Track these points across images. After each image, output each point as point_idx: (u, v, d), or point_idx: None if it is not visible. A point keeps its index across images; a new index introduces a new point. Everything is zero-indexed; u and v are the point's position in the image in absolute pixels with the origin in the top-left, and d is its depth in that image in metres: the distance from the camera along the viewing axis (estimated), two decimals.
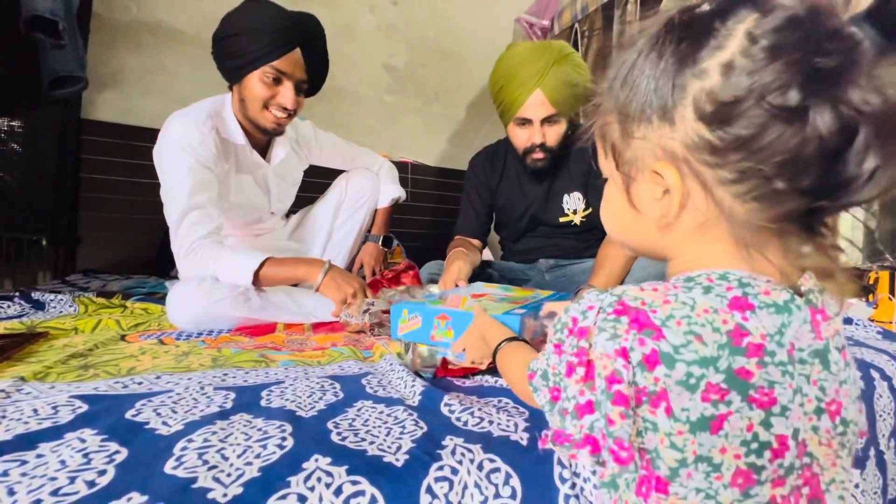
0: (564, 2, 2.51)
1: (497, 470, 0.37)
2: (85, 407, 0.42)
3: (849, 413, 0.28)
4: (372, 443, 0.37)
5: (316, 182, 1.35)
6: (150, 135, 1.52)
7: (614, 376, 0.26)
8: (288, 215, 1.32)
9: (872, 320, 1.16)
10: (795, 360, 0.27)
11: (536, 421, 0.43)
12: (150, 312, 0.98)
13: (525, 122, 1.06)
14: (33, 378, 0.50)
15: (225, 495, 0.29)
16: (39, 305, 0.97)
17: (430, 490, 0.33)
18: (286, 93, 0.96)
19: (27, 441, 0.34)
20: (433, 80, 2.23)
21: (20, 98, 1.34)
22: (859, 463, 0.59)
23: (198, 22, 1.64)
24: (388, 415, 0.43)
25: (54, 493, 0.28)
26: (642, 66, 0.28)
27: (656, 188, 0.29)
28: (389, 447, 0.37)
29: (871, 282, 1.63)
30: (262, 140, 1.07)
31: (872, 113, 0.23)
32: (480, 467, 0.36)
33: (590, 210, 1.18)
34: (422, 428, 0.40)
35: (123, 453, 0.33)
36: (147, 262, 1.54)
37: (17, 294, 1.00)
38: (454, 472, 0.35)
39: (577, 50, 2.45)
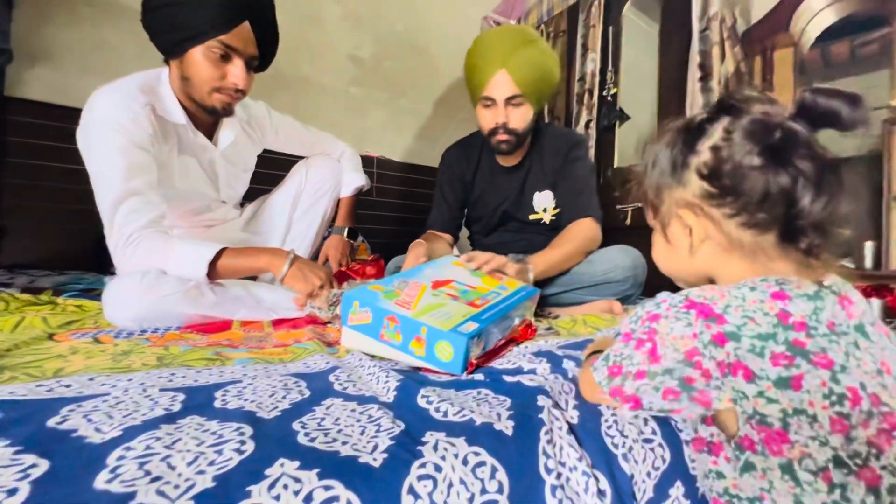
0: (531, 3, 2.54)
1: (483, 464, 0.34)
2: None
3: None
4: (345, 443, 0.33)
5: (270, 174, 1.27)
6: None
7: (694, 351, 0.36)
8: (242, 205, 1.23)
9: None
10: (838, 332, 0.35)
11: (519, 409, 0.41)
12: (84, 310, 0.88)
13: (490, 102, 1.07)
14: None
15: (176, 499, 0.25)
16: None
17: (412, 490, 0.30)
18: (237, 71, 0.87)
19: None
20: (400, 74, 2.18)
21: None
22: None
23: None
24: (362, 412, 0.40)
25: None
26: (665, 154, 0.44)
27: (683, 228, 0.44)
28: (365, 447, 0.33)
29: None
30: (206, 120, 0.97)
31: (805, 168, 0.37)
32: (465, 462, 0.34)
33: (558, 210, 1.19)
34: (399, 425, 0.37)
35: (42, 466, 0.28)
36: (82, 256, 1.40)
37: None
38: (438, 469, 0.32)
39: None
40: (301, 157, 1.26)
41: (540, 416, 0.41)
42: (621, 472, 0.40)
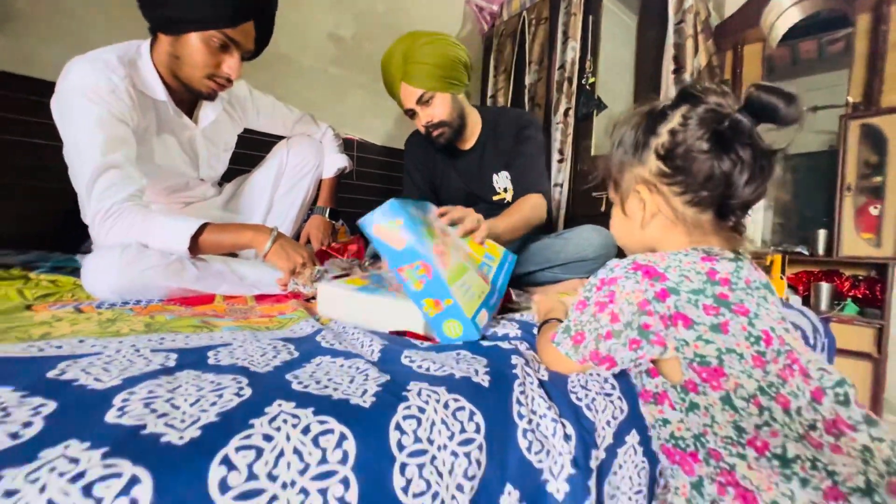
0: None
1: (462, 409, 0.38)
2: None
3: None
4: (336, 389, 0.36)
5: (249, 154, 1.25)
6: (50, 89, 1.33)
7: (645, 301, 0.43)
8: (220, 184, 1.22)
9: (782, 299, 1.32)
10: (752, 287, 0.44)
11: (495, 366, 0.45)
12: (59, 285, 0.87)
13: (410, 111, 1.15)
14: None
15: (181, 438, 0.27)
16: None
17: (398, 427, 0.34)
18: (233, 63, 0.88)
19: None
20: (381, 55, 2.15)
21: None
22: None
23: None
24: (350, 366, 0.43)
25: None
26: (629, 135, 0.50)
27: (638, 202, 0.50)
28: (354, 392, 0.36)
29: (767, 264, 1.88)
30: (187, 98, 0.96)
31: (744, 156, 0.43)
32: (446, 406, 0.37)
33: (513, 188, 1.23)
34: (385, 376, 0.40)
35: (51, 406, 0.29)
36: (46, 235, 1.35)
37: None
38: (421, 410, 0.36)
39: (525, 36, 2.51)
40: (282, 138, 1.25)
41: (514, 371, 0.45)
42: (586, 420, 0.45)
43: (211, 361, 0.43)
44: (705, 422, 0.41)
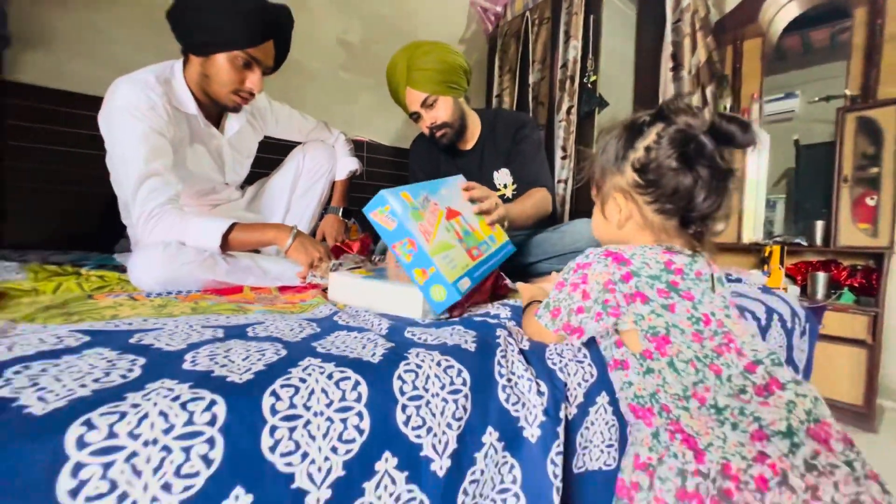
0: None
1: (451, 367, 0.47)
2: (87, 338, 0.46)
3: (734, 310, 0.55)
4: (352, 352, 0.46)
5: (268, 158, 1.36)
6: (83, 101, 1.45)
7: (609, 281, 0.52)
8: (242, 187, 1.33)
9: (767, 286, 1.39)
10: (701, 279, 0.53)
11: (482, 337, 0.54)
12: (106, 280, 0.99)
13: (415, 115, 1.24)
14: (23, 321, 0.54)
15: (241, 378, 0.37)
16: None
17: (400, 377, 0.43)
18: (255, 79, 0.99)
19: (49, 354, 0.40)
20: (388, 58, 2.24)
21: None
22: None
23: None
24: (362, 338, 0.52)
25: (96, 381, 0.35)
26: (612, 145, 0.57)
27: (616, 207, 0.57)
28: (366, 353, 0.46)
29: (767, 254, 1.93)
30: (214, 111, 1.08)
31: (703, 174, 0.51)
32: (439, 364, 0.47)
33: (516, 185, 1.32)
34: (391, 345, 0.50)
35: (141, 360, 0.40)
36: (81, 236, 1.47)
37: None
38: (418, 367, 0.45)
39: (528, 36, 2.58)
40: (298, 143, 1.36)
41: (497, 341, 0.54)
42: (558, 381, 0.54)
43: (251, 334, 0.53)
44: (658, 382, 0.50)
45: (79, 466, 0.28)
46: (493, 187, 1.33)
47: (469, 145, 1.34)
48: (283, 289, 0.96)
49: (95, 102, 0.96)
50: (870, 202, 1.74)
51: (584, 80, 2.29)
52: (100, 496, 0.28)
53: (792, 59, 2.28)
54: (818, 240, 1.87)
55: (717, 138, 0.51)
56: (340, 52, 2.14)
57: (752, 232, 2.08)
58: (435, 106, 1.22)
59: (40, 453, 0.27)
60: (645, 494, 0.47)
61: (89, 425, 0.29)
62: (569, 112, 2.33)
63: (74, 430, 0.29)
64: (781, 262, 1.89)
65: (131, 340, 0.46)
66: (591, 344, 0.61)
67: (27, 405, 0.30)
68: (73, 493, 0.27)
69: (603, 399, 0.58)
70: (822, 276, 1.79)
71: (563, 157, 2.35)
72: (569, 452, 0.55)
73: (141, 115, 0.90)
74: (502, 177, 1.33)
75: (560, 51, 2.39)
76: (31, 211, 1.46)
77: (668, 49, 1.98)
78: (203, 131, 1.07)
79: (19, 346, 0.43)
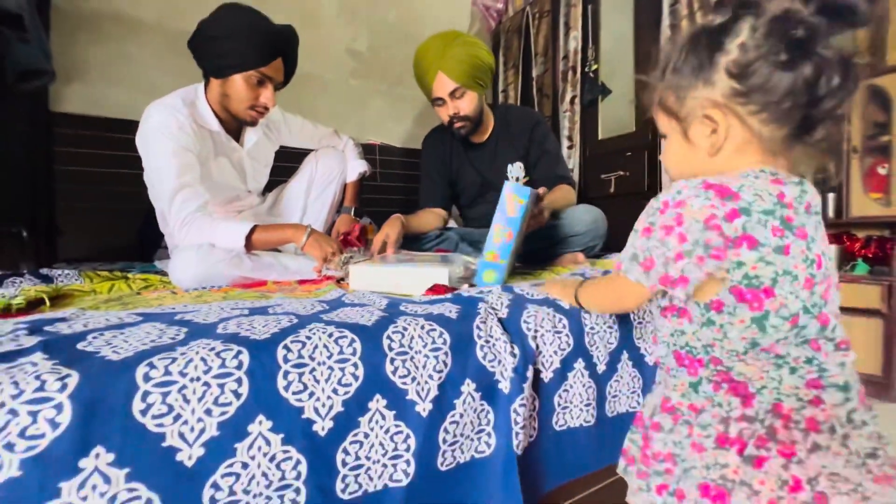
0: None
1: (434, 329, 0.56)
2: (141, 318, 0.58)
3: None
4: (351, 320, 0.56)
5: (285, 166, 1.49)
6: (120, 125, 1.61)
7: (712, 216, 0.42)
8: (263, 194, 1.46)
9: None
10: (811, 213, 0.45)
11: (465, 308, 0.63)
12: (150, 281, 1.13)
13: (439, 100, 1.29)
14: (89, 310, 0.66)
15: (261, 337, 0.47)
16: (48, 280, 1.09)
17: (388, 337, 0.53)
18: (268, 94, 1.11)
19: (115, 327, 0.51)
20: (396, 62, 2.30)
21: None
22: None
23: (158, 11, 1.70)
24: (362, 311, 0.62)
25: (153, 341, 0.46)
26: (684, 58, 0.46)
27: (706, 128, 0.46)
28: (363, 320, 0.56)
29: None
30: (234, 126, 1.21)
31: (829, 58, 0.41)
32: (423, 328, 0.56)
33: (528, 178, 1.39)
34: (385, 314, 0.59)
35: (185, 329, 0.51)
36: (126, 248, 1.62)
37: (25, 272, 1.12)
38: (405, 329, 0.55)
39: (530, 31, 2.62)
40: (310, 150, 1.48)
41: (477, 311, 0.63)
42: (529, 346, 0.62)
43: (271, 312, 0.64)
44: (716, 336, 0.46)
45: (146, 394, 0.39)
46: (506, 178, 1.40)
47: (482, 138, 1.43)
48: (302, 282, 1.08)
49: (132, 126, 1.10)
50: (881, 171, 1.72)
51: (586, 70, 2.33)
52: (161, 415, 0.38)
53: None
54: (830, 212, 1.85)
55: (830, 15, 0.40)
56: (350, 60, 2.24)
57: None
58: (463, 98, 1.29)
59: (121, 383, 0.38)
60: (664, 436, 0.47)
61: (151, 366, 0.40)
62: (572, 102, 2.37)
63: (142, 370, 0.39)
64: None
65: (176, 318, 0.57)
66: (572, 314, 0.68)
67: (106, 355, 0.41)
68: (143, 412, 0.38)
69: (580, 364, 0.66)
70: (834, 249, 1.78)
71: (570, 147, 2.39)
72: (547, 410, 0.63)
73: (171, 134, 1.04)
74: (516, 169, 1.40)
75: (561, 42, 2.43)
76: (80, 228, 1.63)
77: (665, 32, 2.00)
78: (225, 145, 1.20)
79: (92, 323, 0.54)
